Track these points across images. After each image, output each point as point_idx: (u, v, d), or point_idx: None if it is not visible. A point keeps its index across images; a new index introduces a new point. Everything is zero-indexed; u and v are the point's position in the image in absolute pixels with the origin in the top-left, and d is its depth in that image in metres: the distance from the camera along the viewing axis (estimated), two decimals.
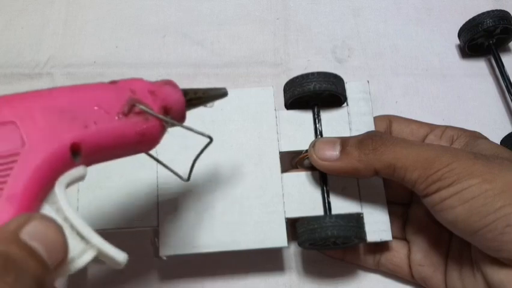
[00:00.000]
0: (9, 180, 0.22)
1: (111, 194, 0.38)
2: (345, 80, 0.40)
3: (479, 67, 0.51)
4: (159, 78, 0.50)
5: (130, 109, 0.26)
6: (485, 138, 0.38)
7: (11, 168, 0.22)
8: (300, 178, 0.38)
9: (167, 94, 0.28)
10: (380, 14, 0.54)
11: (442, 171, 0.32)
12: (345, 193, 0.38)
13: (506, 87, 0.48)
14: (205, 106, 0.32)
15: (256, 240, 0.37)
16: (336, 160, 0.35)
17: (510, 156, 0.34)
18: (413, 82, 0.50)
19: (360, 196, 0.38)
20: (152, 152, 0.37)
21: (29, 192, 0.22)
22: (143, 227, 0.37)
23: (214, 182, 0.38)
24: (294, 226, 0.38)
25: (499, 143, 0.45)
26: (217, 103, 0.39)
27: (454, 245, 0.37)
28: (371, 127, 0.39)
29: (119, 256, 0.23)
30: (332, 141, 0.36)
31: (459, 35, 0.51)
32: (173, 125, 0.28)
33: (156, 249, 0.37)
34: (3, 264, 0.19)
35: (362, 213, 0.38)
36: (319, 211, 0.38)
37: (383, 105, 0.48)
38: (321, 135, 0.39)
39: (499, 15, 0.48)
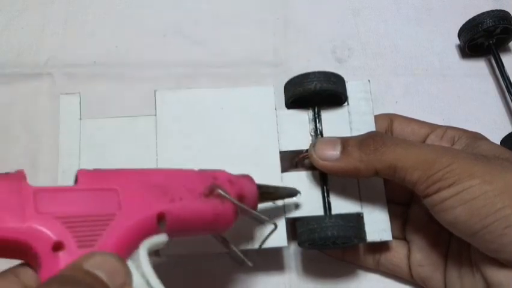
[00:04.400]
0: (104, 235, 0.26)
1: None
2: (345, 80, 0.40)
3: (479, 67, 0.51)
4: (159, 78, 0.50)
5: (211, 192, 0.31)
6: (486, 139, 0.38)
7: (106, 225, 0.26)
8: (300, 178, 0.38)
9: (243, 184, 0.33)
10: (380, 14, 0.54)
11: (443, 171, 0.32)
12: (345, 193, 0.38)
13: (506, 87, 0.48)
14: (274, 202, 0.37)
15: (256, 240, 0.37)
16: (336, 160, 0.35)
17: (510, 157, 0.34)
18: (413, 82, 0.50)
19: (360, 196, 0.38)
20: (152, 150, 0.37)
21: (117, 247, 0.26)
22: None
23: None
24: (294, 226, 0.38)
25: (499, 143, 0.45)
26: (218, 102, 0.39)
27: (454, 246, 0.37)
28: (371, 126, 0.39)
29: None
30: (332, 141, 0.36)
31: (459, 35, 0.51)
32: (243, 210, 0.32)
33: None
34: (63, 282, 0.23)
35: (362, 213, 0.38)
36: (319, 211, 0.37)
37: (383, 105, 0.48)
38: (322, 134, 0.39)
39: (499, 15, 0.48)
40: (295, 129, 0.39)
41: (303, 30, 0.52)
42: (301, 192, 0.38)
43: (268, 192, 0.35)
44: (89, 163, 0.36)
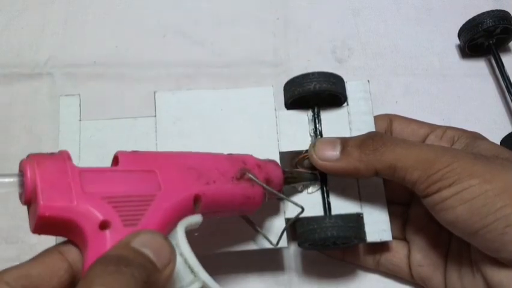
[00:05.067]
0: (145, 215, 0.27)
1: None
2: (345, 80, 0.40)
3: (479, 67, 0.51)
4: (159, 79, 0.50)
5: (242, 176, 0.32)
6: (486, 139, 0.38)
7: (148, 205, 0.27)
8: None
9: (270, 169, 0.35)
10: (380, 14, 0.54)
11: (443, 171, 0.32)
12: (345, 193, 0.38)
13: (506, 87, 0.48)
14: (297, 188, 0.38)
15: (256, 241, 0.37)
16: (336, 160, 0.35)
17: (510, 157, 0.34)
18: (413, 82, 0.50)
19: (360, 196, 0.38)
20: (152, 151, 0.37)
21: (158, 226, 0.27)
22: None
23: None
24: (294, 226, 0.38)
25: (499, 143, 0.45)
26: (217, 103, 0.39)
27: (454, 246, 0.37)
28: (371, 127, 0.39)
29: None
30: (332, 141, 0.36)
31: (459, 35, 0.51)
32: (270, 193, 0.34)
33: None
34: (116, 261, 0.23)
35: (362, 214, 0.38)
36: (319, 211, 0.38)
37: (383, 105, 0.48)
38: (321, 135, 0.39)
39: (499, 15, 0.48)
40: (295, 129, 0.39)
41: (303, 30, 0.52)
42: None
43: (292, 177, 0.37)
44: (89, 164, 0.36)
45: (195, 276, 0.27)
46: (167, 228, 0.28)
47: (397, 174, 0.34)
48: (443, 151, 0.33)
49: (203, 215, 0.30)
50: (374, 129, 0.39)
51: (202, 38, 0.52)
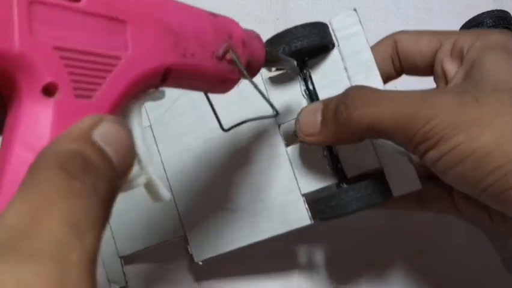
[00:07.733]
0: (104, 84, 0.20)
1: (132, 216, 0.38)
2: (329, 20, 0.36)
3: None
4: None
5: (224, 55, 0.26)
6: (498, 49, 0.30)
7: (109, 71, 0.20)
8: (306, 148, 0.36)
9: (254, 49, 0.29)
10: (380, 14, 0.54)
11: (423, 131, 0.27)
12: (359, 153, 0.34)
13: None
14: (269, 70, 0.34)
15: (279, 225, 0.35)
16: (319, 133, 0.31)
17: None
18: (413, 82, 0.50)
19: (376, 152, 0.34)
20: (153, 149, 0.37)
21: (118, 100, 0.21)
22: (173, 238, 0.38)
23: (223, 176, 0.37)
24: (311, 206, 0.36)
25: None
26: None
27: None
28: (371, 65, 0.35)
29: (164, 193, 0.23)
30: (314, 110, 0.32)
31: None
32: (245, 78, 0.28)
33: (191, 256, 0.38)
34: (82, 166, 0.17)
35: (382, 168, 0.34)
36: (332, 179, 0.35)
37: None
38: (316, 95, 0.35)
39: (499, 15, 0.48)
40: (286, 94, 0.36)
41: None
42: (310, 162, 0.35)
43: (271, 60, 0.31)
44: None
45: (142, 169, 0.22)
46: (122, 105, 0.21)
47: (381, 135, 0.30)
48: (422, 102, 0.28)
49: (166, 86, 0.24)
50: (375, 68, 0.35)
51: None
